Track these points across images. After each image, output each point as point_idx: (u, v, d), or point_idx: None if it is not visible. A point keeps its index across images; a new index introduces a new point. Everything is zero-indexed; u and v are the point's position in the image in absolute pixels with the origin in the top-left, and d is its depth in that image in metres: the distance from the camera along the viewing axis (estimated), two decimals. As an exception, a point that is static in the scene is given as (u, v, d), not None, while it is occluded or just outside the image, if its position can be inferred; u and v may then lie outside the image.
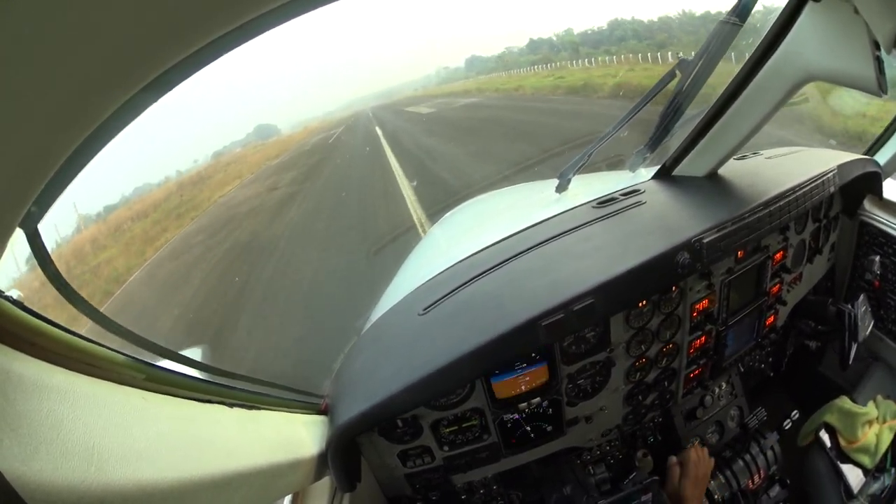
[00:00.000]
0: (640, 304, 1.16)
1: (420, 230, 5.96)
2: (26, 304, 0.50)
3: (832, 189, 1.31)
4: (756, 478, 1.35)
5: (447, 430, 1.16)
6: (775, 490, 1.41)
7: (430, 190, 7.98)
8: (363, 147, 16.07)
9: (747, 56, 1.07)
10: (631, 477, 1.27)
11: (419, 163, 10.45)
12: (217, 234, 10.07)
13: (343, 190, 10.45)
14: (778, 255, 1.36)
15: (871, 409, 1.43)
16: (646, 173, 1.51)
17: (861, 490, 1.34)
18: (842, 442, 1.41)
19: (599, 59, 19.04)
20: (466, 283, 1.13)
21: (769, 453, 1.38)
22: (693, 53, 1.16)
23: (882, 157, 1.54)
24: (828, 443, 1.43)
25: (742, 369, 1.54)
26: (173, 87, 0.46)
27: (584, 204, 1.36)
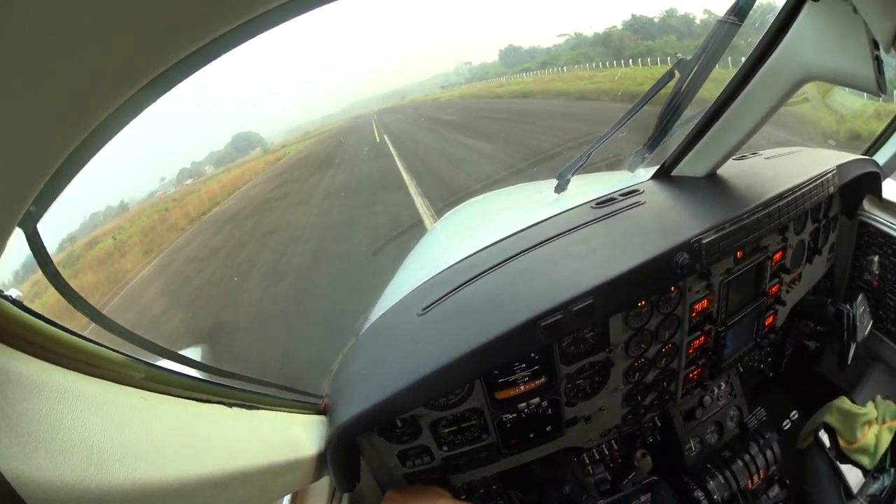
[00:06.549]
0: (640, 305, 1.16)
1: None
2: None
3: (831, 189, 1.31)
4: (755, 478, 1.35)
5: (446, 430, 1.16)
6: (774, 490, 1.40)
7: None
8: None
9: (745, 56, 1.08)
10: (630, 477, 1.27)
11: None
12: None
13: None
14: (777, 256, 1.36)
15: (870, 410, 1.43)
16: (645, 173, 1.51)
17: (860, 490, 1.34)
18: (841, 442, 1.42)
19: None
20: (465, 283, 1.13)
21: (768, 453, 1.38)
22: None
23: (881, 157, 1.55)
24: (827, 443, 1.43)
25: (741, 369, 1.54)
26: (173, 86, 0.46)
27: (583, 204, 1.36)
